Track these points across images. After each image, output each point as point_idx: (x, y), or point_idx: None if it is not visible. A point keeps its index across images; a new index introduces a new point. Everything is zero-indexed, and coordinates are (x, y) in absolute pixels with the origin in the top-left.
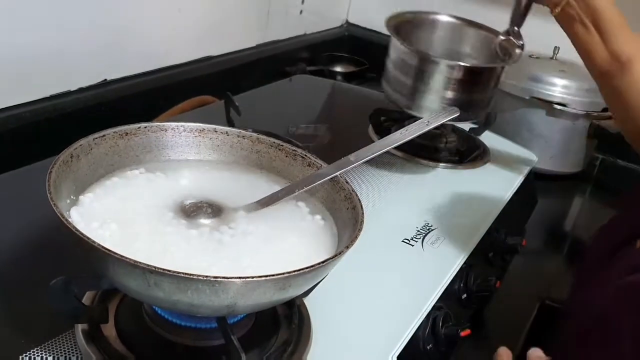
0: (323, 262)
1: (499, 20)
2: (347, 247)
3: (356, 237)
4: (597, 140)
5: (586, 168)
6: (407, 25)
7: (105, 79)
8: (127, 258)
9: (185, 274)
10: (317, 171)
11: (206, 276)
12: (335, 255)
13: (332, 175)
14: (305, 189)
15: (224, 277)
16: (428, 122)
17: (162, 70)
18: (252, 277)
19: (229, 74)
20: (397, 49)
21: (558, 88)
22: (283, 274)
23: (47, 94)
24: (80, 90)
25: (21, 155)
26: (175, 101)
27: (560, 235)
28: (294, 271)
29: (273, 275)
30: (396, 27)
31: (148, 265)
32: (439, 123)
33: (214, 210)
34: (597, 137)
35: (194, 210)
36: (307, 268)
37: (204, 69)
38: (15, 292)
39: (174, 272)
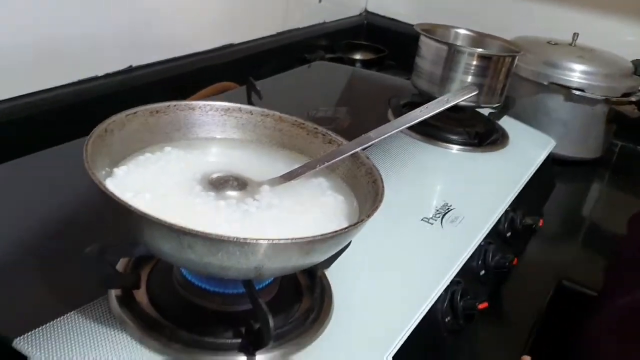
0: (345, 228)
1: None
2: (369, 216)
3: (377, 207)
4: (616, 125)
5: (605, 154)
6: (432, 32)
7: (131, 65)
8: (163, 221)
9: (217, 235)
10: (338, 148)
11: (236, 238)
12: (357, 223)
13: (353, 151)
14: (327, 164)
15: (253, 239)
16: (447, 99)
17: (186, 57)
18: (279, 240)
19: (249, 61)
20: (428, 45)
21: (577, 73)
22: (308, 237)
23: (76, 79)
24: (107, 75)
25: (53, 136)
26: (198, 87)
27: (578, 220)
28: (318, 236)
29: (298, 238)
30: (425, 30)
31: (183, 227)
32: (458, 100)
33: (240, 183)
34: (616, 122)
35: (221, 184)
36: (330, 233)
37: (226, 57)
38: (52, 260)
39: (207, 234)
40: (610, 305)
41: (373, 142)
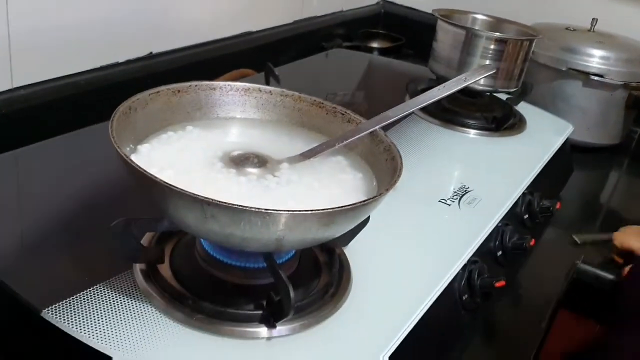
0: (364, 201)
1: None
2: (387, 190)
3: (395, 182)
4: (636, 112)
5: (624, 140)
6: (450, 17)
7: (151, 52)
8: (187, 191)
9: (240, 205)
10: (357, 126)
11: (258, 208)
12: (376, 196)
13: (372, 129)
14: (346, 142)
15: (274, 210)
16: (465, 78)
17: (204, 44)
18: (299, 211)
19: (267, 49)
20: (445, 30)
21: (595, 59)
22: (327, 209)
23: (98, 65)
24: (128, 62)
25: (75, 121)
26: (217, 74)
27: (596, 206)
28: (338, 207)
29: (318, 210)
30: (443, 16)
31: (206, 197)
32: (477, 79)
33: (260, 161)
34: (635, 108)
35: (242, 161)
36: (349, 205)
37: (244, 44)
38: (80, 235)
39: (230, 204)
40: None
41: (392, 119)
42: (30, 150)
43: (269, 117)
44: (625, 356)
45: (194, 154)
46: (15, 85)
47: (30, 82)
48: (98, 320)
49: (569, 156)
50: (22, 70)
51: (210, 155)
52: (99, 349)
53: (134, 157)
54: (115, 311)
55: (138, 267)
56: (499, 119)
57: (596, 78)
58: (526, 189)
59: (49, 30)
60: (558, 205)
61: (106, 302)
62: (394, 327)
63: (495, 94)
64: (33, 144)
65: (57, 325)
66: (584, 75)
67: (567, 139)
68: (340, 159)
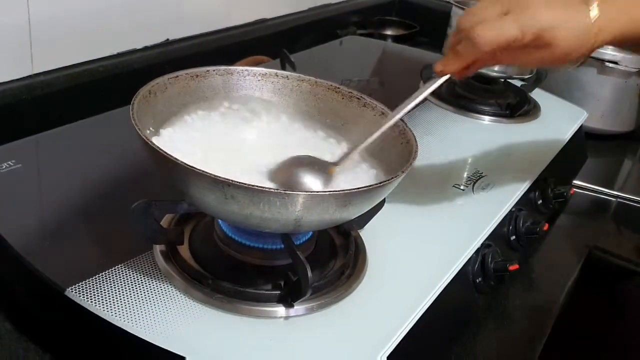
0: (380, 183)
1: None
2: (403, 172)
3: (410, 164)
4: None
5: (637, 128)
6: (464, 3)
7: (168, 39)
8: (208, 173)
9: (259, 186)
10: (380, 120)
11: (277, 189)
12: (392, 178)
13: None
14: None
15: (292, 191)
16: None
17: (220, 31)
18: (317, 192)
19: (282, 36)
20: None
21: (610, 46)
22: (344, 190)
23: (115, 52)
24: (145, 48)
25: (93, 107)
26: (232, 61)
27: (609, 193)
28: (355, 189)
29: (336, 190)
30: (457, 2)
31: (227, 179)
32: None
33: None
34: None
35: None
36: (365, 187)
37: (259, 31)
38: (102, 217)
39: (249, 184)
40: None
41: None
42: (51, 135)
43: (286, 102)
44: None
45: (216, 138)
46: (35, 72)
47: (50, 69)
48: (120, 299)
49: (583, 143)
50: (42, 57)
51: (234, 140)
52: (121, 327)
53: (155, 140)
54: (137, 290)
55: (158, 248)
56: (513, 105)
57: (610, 65)
58: (540, 175)
59: (68, 18)
60: (572, 192)
61: (127, 281)
62: (408, 307)
63: (509, 81)
64: (53, 129)
65: (80, 303)
66: (599, 62)
67: (581, 125)
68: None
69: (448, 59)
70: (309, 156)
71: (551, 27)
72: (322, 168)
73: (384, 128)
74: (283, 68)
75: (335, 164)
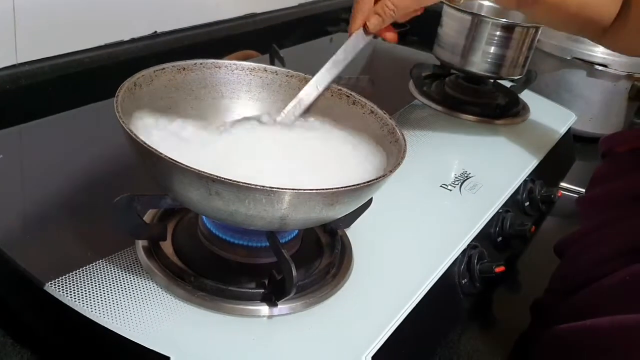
0: (368, 182)
1: None
2: (391, 171)
3: (399, 164)
4: (638, 103)
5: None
6: (455, 2)
7: (156, 31)
8: (192, 167)
9: (245, 183)
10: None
11: (263, 186)
12: (379, 177)
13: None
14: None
15: (279, 188)
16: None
17: (208, 25)
18: (304, 190)
19: (271, 31)
20: (451, 16)
21: (600, 48)
22: (331, 189)
23: (102, 43)
24: (133, 40)
25: (78, 98)
26: (221, 55)
27: None
28: (342, 187)
29: (323, 189)
30: (448, 0)
31: (211, 174)
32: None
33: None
34: (637, 99)
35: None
36: (353, 185)
37: (248, 26)
38: (83, 211)
39: (235, 181)
40: None
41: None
42: (34, 126)
43: (274, 98)
44: None
45: (198, 131)
46: (19, 61)
47: (34, 59)
48: (101, 295)
49: (571, 145)
50: (26, 47)
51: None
52: (101, 323)
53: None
54: (118, 286)
55: (140, 243)
56: (503, 106)
57: (600, 68)
58: (528, 177)
59: (55, 7)
60: (559, 194)
61: (108, 277)
62: (394, 307)
63: (499, 81)
64: (36, 120)
65: (59, 298)
66: (588, 65)
67: (569, 128)
68: (349, 142)
69: (373, 21)
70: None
71: None
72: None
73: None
74: (272, 63)
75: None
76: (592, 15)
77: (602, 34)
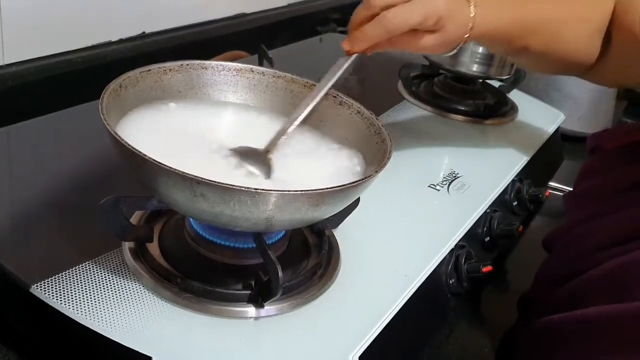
0: (354, 182)
1: None
2: (377, 172)
3: (385, 164)
4: (626, 102)
5: None
6: None
7: (144, 32)
8: (176, 169)
9: (230, 184)
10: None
11: (248, 187)
12: (365, 178)
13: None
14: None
15: (263, 189)
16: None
17: (197, 25)
18: (289, 191)
19: (261, 31)
20: None
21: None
22: (317, 189)
23: (90, 44)
24: (121, 41)
25: (66, 99)
26: (210, 56)
27: None
28: (327, 188)
29: (308, 190)
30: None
31: (195, 176)
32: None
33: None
34: (626, 99)
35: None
36: (339, 186)
37: (238, 26)
38: (69, 212)
39: (219, 182)
40: None
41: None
42: (20, 128)
43: (261, 99)
44: None
45: (185, 134)
46: (6, 62)
47: (22, 59)
48: (87, 296)
49: (559, 145)
50: (13, 47)
51: (200, 135)
52: (87, 325)
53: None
54: (104, 288)
55: (127, 245)
56: (491, 106)
57: None
58: (516, 177)
59: (42, 7)
60: (547, 194)
61: (95, 279)
62: (381, 308)
63: (487, 81)
64: (23, 121)
65: (45, 301)
66: None
67: (558, 127)
68: (334, 146)
69: (356, 39)
70: (242, 147)
71: (448, 15)
72: (258, 158)
73: (306, 111)
74: (261, 64)
75: (267, 150)
76: (576, 59)
77: (587, 71)
